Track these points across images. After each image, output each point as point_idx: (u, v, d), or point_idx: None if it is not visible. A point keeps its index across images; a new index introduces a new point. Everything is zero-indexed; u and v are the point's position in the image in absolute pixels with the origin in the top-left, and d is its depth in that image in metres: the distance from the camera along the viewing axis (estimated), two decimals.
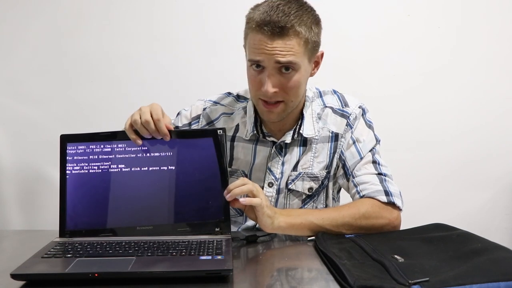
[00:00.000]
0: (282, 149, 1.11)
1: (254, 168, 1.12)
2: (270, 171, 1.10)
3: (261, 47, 0.95)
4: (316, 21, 1.00)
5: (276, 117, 1.03)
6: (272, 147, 1.10)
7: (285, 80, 0.98)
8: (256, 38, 0.96)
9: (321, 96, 1.14)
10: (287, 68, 0.96)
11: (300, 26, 0.95)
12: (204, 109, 1.16)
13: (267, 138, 1.10)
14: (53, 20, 1.68)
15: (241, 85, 1.14)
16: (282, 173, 1.10)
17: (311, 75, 1.06)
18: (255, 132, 1.10)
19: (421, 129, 1.72)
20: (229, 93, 1.19)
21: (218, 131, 0.96)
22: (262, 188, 1.09)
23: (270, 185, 1.11)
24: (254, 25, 0.96)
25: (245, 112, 1.13)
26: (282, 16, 0.94)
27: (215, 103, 1.17)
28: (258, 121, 1.11)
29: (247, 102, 1.15)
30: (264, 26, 0.94)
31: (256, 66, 0.98)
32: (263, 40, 0.95)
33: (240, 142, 1.13)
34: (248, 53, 0.99)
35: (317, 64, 1.06)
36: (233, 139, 1.13)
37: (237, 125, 1.14)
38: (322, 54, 1.06)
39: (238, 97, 1.18)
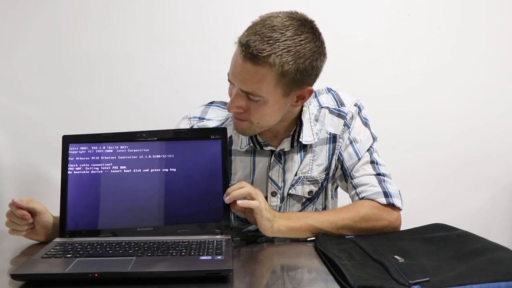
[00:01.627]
0: (281, 156, 1.09)
1: (255, 179, 1.10)
2: (272, 180, 1.09)
3: (234, 65, 0.93)
4: (310, 56, 0.91)
5: (242, 132, 1.03)
6: (271, 156, 1.09)
7: (251, 105, 0.95)
8: (235, 53, 0.94)
9: (316, 97, 1.12)
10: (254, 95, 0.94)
11: (279, 57, 0.88)
12: (191, 127, 1.12)
13: (264, 148, 1.08)
14: (53, 20, 1.68)
15: None
16: (284, 181, 1.09)
17: (293, 106, 1.01)
18: (251, 144, 1.08)
19: (421, 129, 1.72)
20: (212, 102, 1.16)
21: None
22: (266, 199, 1.08)
23: (274, 194, 1.10)
24: (238, 39, 0.93)
25: None
26: (263, 43, 0.88)
27: (201, 119, 1.13)
28: None
29: None
30: (242, 46, 0.90)
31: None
32: (237, 59, 0.92)
33: (237, 155, 1.11)
34: None
35: (302, 98, 1.00)
36: (229, 153, 1.10)
37: (230, 137, 1.11)
38: (309, 91, 0.98)
39: (223, 104, 1.15)
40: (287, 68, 0.90)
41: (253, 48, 0.88)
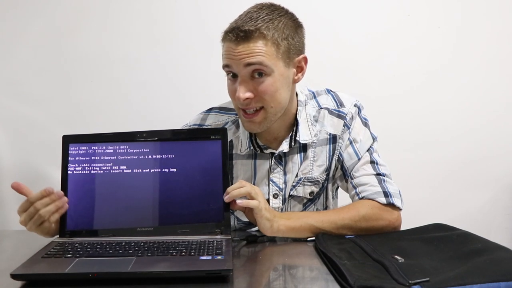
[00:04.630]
0: (281, 158, 1.09)
1: (256, 183, 1.10)
2: (273, 182, 1.09)
3: (229, 53, 0.96)
4: (291, 25, 0.99)
5: (257, 127, 1.01)
6: (271, 159, 1.09)
7: (258, 85, 0.96)
8: (225, 45, 0.97)
9: (315, 97, 1.12)
10: (259, 73, 0.95)
11: (267, 29, 0.94)
12: None
13: (264, 151, 1.08)
14: (53, 20, 1.68)
15: None
16: (285, 182, 1.09)
17: (295, 81, 1.03)
18: (251, 147, 1.08)
19: (421, 129, 1.72)
20: (210, 109, 1.16)
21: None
22: (268, 201, 1.08)
23: (275, 196, 1.10)
24: (223, 35, 0.98)
25: (236, 127, 1.11)
26: (248, 21, 0.94)
27: (200, 126, 1.14)
28: (252, 135, 1.09)
29: (234, 114, 1.13)
30: (229, 33, 0.95)
31: (232, 75, 0.99)
32: (230, 46, 0.96)
33: (238, 159, 1.11)
34: (222, 59, 1.00)
35: (301, 69, 1.03)
36: (230, 157, 1.10)
37: (231, 141, 1.11)
38: (305, 59, 1.03)
39: (221, 110, 1.15)
40: (278, 37, 0.95)
41: (240, 27, 0.94)
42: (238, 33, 0.93)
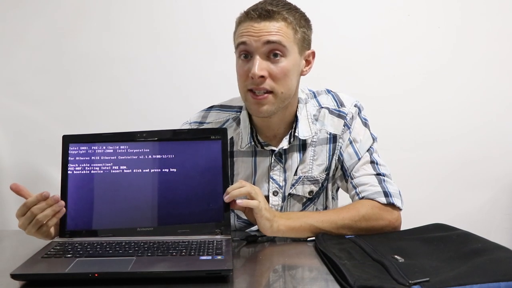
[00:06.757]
0: (281, 156, 1.09)
1: (256, 180, 1.10)
2: (273, 180, 1.09)
3: (248, 30, 0.97)
4: (305, 17, 1.02)
5: (265, 110, 1.00)
6: (272, 156, 1.09)
7: (273, 66, 0.97)
8: (244, 25, 0.98)
9: (315, 97, 1.13)
10: (275, 54, 0.97)
11: (288, 14, 0.97)
12: None
13: (265, 148, 1.09)
14: (53, 20, 1.68)
15: None
16: (285, 180, 1.09)
17: (303, 73, 1.05)
18: (252, 143, 1.08)
19: (421, 129, 1.72)
20: (211, 107, 1.17)
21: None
22: (267, 198, 1.08)
23: (275, 193, 1.10)
24: (241, 17, 0.99)
25: (237, 123, 1.12)
26: (270, 3, 0.98)
27: (201, 123, 1.14)
28: (253, 130, 1.09)
29: (235, 111, 1.13)
30: (252, 11, 0.96)
31: (244, 56, 0.99)
32: (250, 24, 0.97)
33: (239, 156, 1.11)
34: (236, 40, 1.00)
35: (308, 63, 1.06)
36: (231, 155, 1.11)
37: (231, 138, 1.12)
38: (313, 53, 1.06)
39: (222, 107, 1.15)
40: (297, 24, 0.99)
41: (263, 7, 0.96)
42: (261, 12, 0.95)
